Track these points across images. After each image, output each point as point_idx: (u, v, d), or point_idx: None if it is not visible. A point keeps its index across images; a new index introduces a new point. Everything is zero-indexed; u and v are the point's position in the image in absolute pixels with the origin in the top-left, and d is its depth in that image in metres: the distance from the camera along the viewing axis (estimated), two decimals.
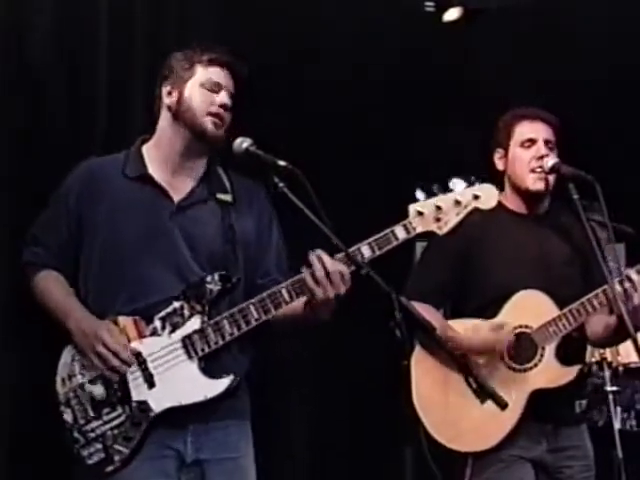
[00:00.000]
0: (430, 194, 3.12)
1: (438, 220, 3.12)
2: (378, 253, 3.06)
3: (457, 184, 3.15)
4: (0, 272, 3.52)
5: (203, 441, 3.08)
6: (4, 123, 3.60)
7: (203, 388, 3.02)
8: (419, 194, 3.13)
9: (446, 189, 3.14)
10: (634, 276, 3.47)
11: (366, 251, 3.05)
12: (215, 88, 3.15)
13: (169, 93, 3.19)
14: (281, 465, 4.52)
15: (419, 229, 3.11)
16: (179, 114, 3.15)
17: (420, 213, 3.10)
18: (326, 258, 2.95)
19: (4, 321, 3.53)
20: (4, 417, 3.51)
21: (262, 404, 3.32)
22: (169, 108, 3.18)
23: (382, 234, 3.08)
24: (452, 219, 3.13)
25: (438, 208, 3.11)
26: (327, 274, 2.94)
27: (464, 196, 3.14)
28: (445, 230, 3.13)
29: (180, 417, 3.04)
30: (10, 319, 3.53)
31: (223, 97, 3.15)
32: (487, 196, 3.18)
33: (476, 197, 3.16)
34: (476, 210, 3.68)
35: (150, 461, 3.02)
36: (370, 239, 3.06)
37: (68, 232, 3.15)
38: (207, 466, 3.08)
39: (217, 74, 3.17)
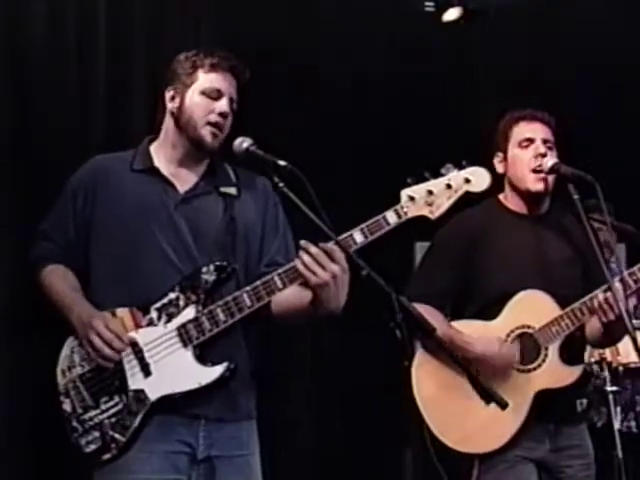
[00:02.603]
0: (421, 179, 3.13)
1: (430, 205, 3.12)
2: (370, 238, 3.06)
3: (449, 169, 3.16)
4: (2, 269, 3.52)
5: (215, 437, 3.10)
6: (4, 123, 3.60)
7: (197, 375, 3.04)
8: (410, 179, 3.14)
9: (437, 174, 3.15)
10: (616, 284, 3.47)
11: (358, 237, 3.06)
12: (216, 95, 3.17)
13: (172, 98, 3.21)
14: (281, 466, 4.52)
15: (411, 214, 3.11)
16: (180, 122, 3.19)
17: (412, 198, 3.11)
18: (312, 246, 2.97)
19: (7, 318, 3.53)
20: (3, 415, 3.52)
21: (262, 405, 3.32)
22: (172, 113, 3.22)
23: (374, 220, 3.09)
24: (444, 203, 3.14)
25: (430, 193, 3.12)
26: (314, 259, 2.95)
27: (455, 180, 3.15)
28: (437, 214, 3.14)
29: (191, 411, 3.07)
30: (12, 315, 3.53)
31: (223, 105, 3.17)
32: (478, 179, 3.18)
33: (467, 181, 3.16)
34: (476, 210, 3.70)
35: (163, 455, 3.05)
36: (362, 225, 3.08)
37: (75, 231, 3.19)
38: (218, 462, 3.11)
39: (218, 80, 3.18)
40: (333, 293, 3.00)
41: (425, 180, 3.13)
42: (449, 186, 3.14)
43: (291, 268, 3.03)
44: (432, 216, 3.13)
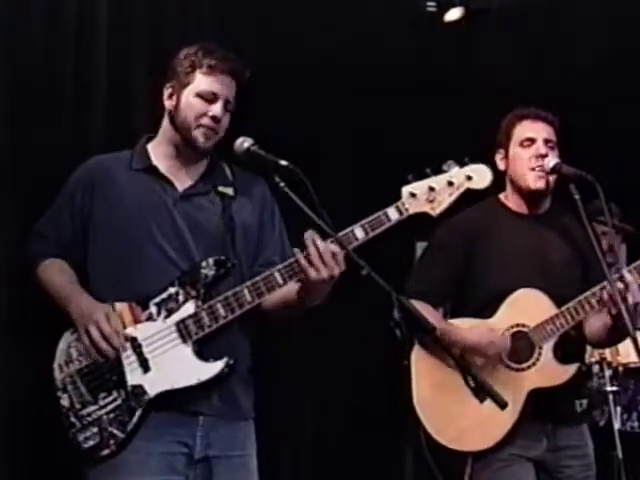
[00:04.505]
0: (423, 176, 3.13)
1: (431, 201, 3.12)
2: (371, 234, 3.07)
3: (450, 165, 3.15)
4: (1, 267, 3.53)
5: (212, 437, 3.10)
6: (3, 123, 3.60)
7: (196, 371, 3.04)
8: (411, 176, 3.13)
9: (439, 171, 3.14)
10: (627, 276, 3.47)
11: (359, 233, 3.06)
12: (211, 98, 3.16)
13: (170, 96, 3.22)
14: (281, 466, 4.53)
15: (412, 210, 3.11)
16: (176, 121, 3.20)
17: (413, 195, 3.11)
18: (319, 240, 2.97)
19: (4, 314, 3.53)
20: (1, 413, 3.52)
21: (261, 402, 3.32)
22: (169, 112, 3.23)
23: (375, 216, 3.09)
24: (445, 200, 3.13)
25: (431, 189, 3.12)
26: (319, 254, 2.95)
27: (457, 177, 3.14)
28: (438, 211, 3.13)
29: (189, 407, 3.07)
30: (9, 312, 3.53)
31: (217, 109, 3.16)
32: (480, 176, 3.18)
33: (469, 178, 3.16)
34: (476, 209, 3.71)
35: (160, 457, 3.04)
36: (363, 221, 3.07)
37: (72, 230, 3.19)
38: (215, 462, 3.11)
39: (215, 83, 3.17)
40: (324, 290, 3.02)
41: (426, 176, 3.13)
42: (451, 183, 3.14)
43: (291, 264, 3.04)
44: (433, 213, 3.13)
